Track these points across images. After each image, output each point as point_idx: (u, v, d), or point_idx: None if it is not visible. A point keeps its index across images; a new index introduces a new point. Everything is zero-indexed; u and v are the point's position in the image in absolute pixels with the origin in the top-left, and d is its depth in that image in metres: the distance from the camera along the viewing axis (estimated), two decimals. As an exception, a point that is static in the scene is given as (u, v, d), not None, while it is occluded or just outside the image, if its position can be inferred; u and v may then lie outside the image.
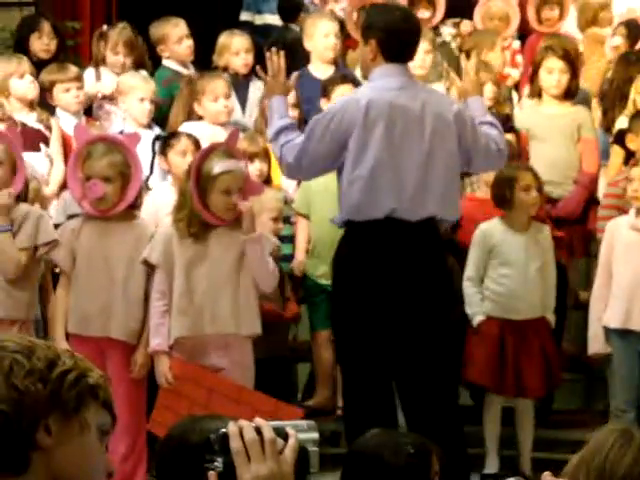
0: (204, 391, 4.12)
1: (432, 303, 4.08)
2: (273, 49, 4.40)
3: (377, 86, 4.18)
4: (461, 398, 5.02)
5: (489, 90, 5.38)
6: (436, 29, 6.58)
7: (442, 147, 4.08)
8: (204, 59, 6.11)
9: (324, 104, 5.48)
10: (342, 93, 5.46)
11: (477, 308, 4.78)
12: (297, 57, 6.29)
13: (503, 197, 4.79)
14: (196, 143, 4.97)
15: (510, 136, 5.25)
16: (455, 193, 4.21)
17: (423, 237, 4.10)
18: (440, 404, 4.09)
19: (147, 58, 6.01)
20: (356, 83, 5.49)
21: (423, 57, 5.94)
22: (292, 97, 5.50)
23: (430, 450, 2.48)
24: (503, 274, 4.79)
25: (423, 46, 5.93)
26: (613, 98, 5.61)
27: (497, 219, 4.86)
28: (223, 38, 6.07)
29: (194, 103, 5.48)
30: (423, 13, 6.55)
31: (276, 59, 4.33)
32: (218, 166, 4.17)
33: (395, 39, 4.13)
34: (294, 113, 5.48)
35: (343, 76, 5.56)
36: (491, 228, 4.85)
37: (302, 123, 5.47)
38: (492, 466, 4.80)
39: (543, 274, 4.81)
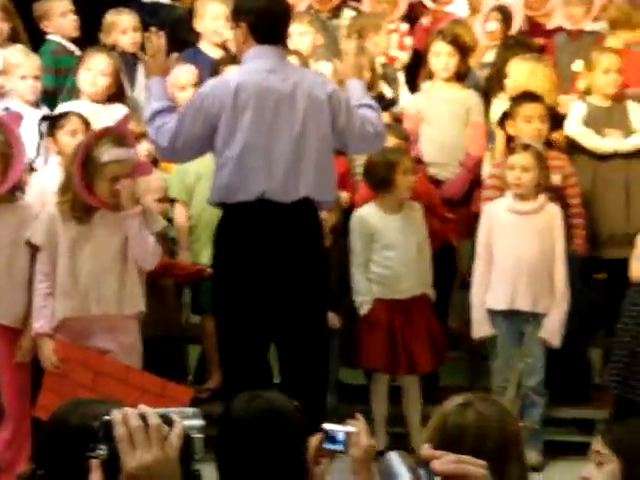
0: (90, 373, 4.08)
1: (306, 283, 4.10)
2: (152, 29, 4.35)
3: (247, 68, 4.18)
4: (355, 378, 5.10)
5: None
6: (338, 10, 6.60)
7: (314, 128, 4.09)
8: (91, 38, 5.99)
9: None
10: None
11: (363, 297, 4.85)
12: (185, 36, 6.25)
13: (382, 180, 4.84)
14: (86, 123, 4.88)
15: (387, 116, 5.31)
16: (330, 174, 4.20)
17: (297, 218, 4.10)
18: (310, 374, 4.15)
19: (23, 31, 5.86)
20: None
21: (299, 39, 5.97)
22: (195, 76, 5.47)
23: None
24: (386, 256, 4.84)
25: (299, 28, 5.99)
26: (495, 82, 5.74)
27: (372, 204, 4.90)
28: (110, 16, 5.97)
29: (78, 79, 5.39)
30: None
31: (155, 39, 4.28)
32: (107, 154, 4.13)
33: (265, 21, 4.13)
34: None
35: (233, 56, 5.54)
36: (367, 213, 4.90)
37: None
38: (380, 443, 4.88)
39: (421, 251, 4.89)
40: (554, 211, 4.83)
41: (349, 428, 2.52)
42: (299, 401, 2.47)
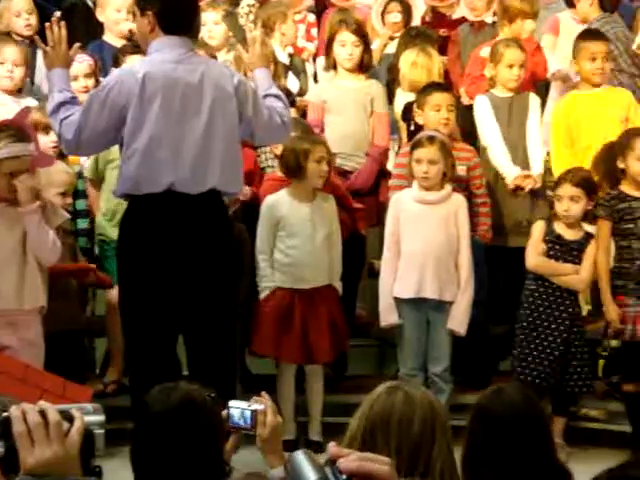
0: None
1: (212, 273, 4.08)
2: (54, 18, 4.27)
3: (154, 59, 4.12)
4: (266, 368, 5.11)
5: None
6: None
7: (222, 119, 4.07)
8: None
9: None
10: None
11: (265, 283, 4.85)
12: (91, 24, 6.16)
13: (295, 168, 4.85)
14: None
15: (293, 110, 5.35)
16: (236, 165, 4.18)
17: (204, 209, 4.08)
18: (219, 365, 4.14)
19: None
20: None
21: (211, 28, 5.93)
22: (87, 67, 5.41)
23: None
24: (290, 245, 4.85)
25: (212, 17, 5.95)
26: (396, 74, 5.80)
27: (284, 191, 4.91)
28: (2, 1, 5.87)
29: None
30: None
31: (57, 29, 4.21)
32: (4, 150, 4.06)
33: (172, 10, 4.08)
34: (89, 83, 5.40)
35: (135, 46, 5.48)
36: (277, 201, 4.90)
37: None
38: (289, 433, 4.90)
39: (329, 242, 4.90)
40: (459, 200, 4.90)
41: (256, 406, 2.52)
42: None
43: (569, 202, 4.76)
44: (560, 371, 4.74)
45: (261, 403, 2.54)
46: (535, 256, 4.82)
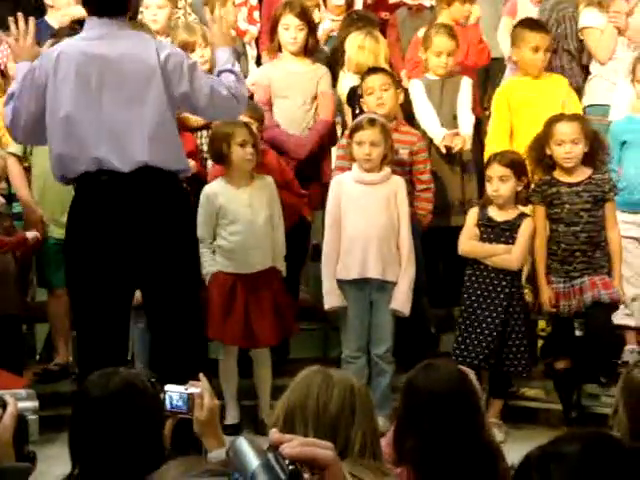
0: None
1: (155, 252, 4.02)
2: (19, 14, 4.23)
3: (76, 38, 4.12)
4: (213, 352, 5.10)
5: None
6: None
7: (145, 93, 3.98)
8: None
9: None
10: None
11: (207, 268, 4.83)
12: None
13: (220, 153, 4.84)
14: None
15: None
16: (171, 140, 4.05)
17: (139, 186, 3.99)
18: (179, 348, 4.11)
19: None
20: None
21: (155, 11, 5.89)
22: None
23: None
24: (232, 231, 4.83)
25: (155, 0, 5.90)
26: (338, 56, 5.81)
27: (220, 179, 4.90)
28: None
29: None
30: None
31: (22, 23, 4.17)
32: None
33: None
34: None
35: (72, 28, 5.42)
36: (215, 189, 4.89)
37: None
38: (233, 417, 4.91)
39: (272, 224, 4.90)
40: (398, 182, 4.92)
41: (191, 389, 2.52)
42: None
43: (498, 182, 4.82)
44: (498, 353, 4.80)
45: (197, 387, 2.55)
46: (465, 241, 4.88)
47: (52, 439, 4.19)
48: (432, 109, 5.48)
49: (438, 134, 5.41)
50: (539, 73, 5.52)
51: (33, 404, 1.68)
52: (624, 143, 5.23)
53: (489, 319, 4.80)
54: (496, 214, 4.88)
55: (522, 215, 4.90)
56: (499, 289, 4.82)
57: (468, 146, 5.41)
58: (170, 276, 4.04)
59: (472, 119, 5.53)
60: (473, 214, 4.93)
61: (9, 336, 4.71)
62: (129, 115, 3.96)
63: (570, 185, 4.88)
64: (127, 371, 2.43)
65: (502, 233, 4.86)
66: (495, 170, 4.84)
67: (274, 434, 1.32)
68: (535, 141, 4.98)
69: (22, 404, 1.66)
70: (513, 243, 4.84)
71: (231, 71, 4.21)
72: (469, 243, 4.88)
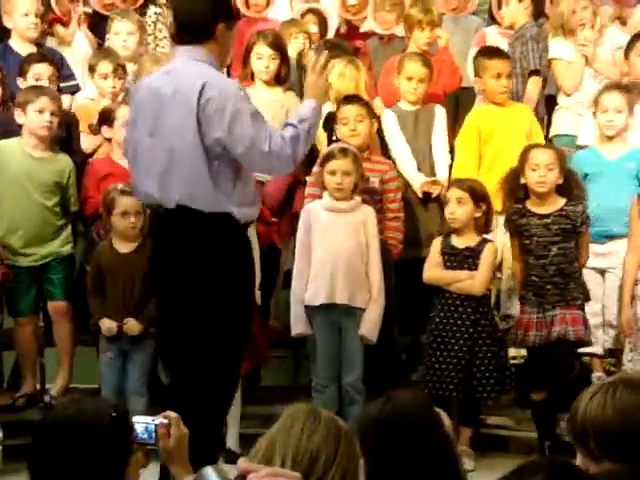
0: None
1: (180, 293, 3.96)
2: None
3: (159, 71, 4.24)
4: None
5: None
6: (144, 7, 6.47)
7: (181, 134, 3.91)
8: None
9: (21, 83, 5.38)
10: (39, 72, 5.37)
11: None
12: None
13: None
14: None
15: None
16: (203, 182, 3.91)
17: (173, 225, 3.96)
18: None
19: None
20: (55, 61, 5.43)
21: (125, 37, 5.90)
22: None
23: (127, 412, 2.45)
24: None
25: (126, 27, 5.91)
26: None
27: None
28: None
29: None
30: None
31: None
32: None
33: (176, 21, 4.08)
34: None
35: (42, 54, 5.44)
36: None
37: (7, 100, 5.33)
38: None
39: None
40: (367, 211, 4.95)
41: (158, 420, 2.51)
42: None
43: (455, 205, 4.86)
44: (467, 379, 4.81)
45: (167, 417, 2.54)
46: (429, 268, 4.91)
47: (18, 469, 4.15)
48: (406, 147, 5.48)
49: (415, 180, 5.42)
50: (504, 100, 5.57)
51: (-3, 434, 1.66)
52: (586, 175, 5.28)
53: (456, 346, 4.80)
54: (458, 241, 4.91)
55: (484, 241, 4.92)
56: (464, 316, 4.83)
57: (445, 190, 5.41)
58: (186, 320, 3.94)
59: (448, 159, 5.54)
60: (437, 243, 4.96)
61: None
62: (169, 155, 3.93)
63: (540, 217, 4.91)
64: (88, 401, 2.40)
65: (465, 260, 4.88)
66: (452, 192, 4.88)
67: (242, 463, 1.32)
68: (510, 172, 5.02)
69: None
70: (476, 269, 4.86)
71: (294, 126, 3.99)
72: (432, 270, 4.90)
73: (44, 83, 5.33)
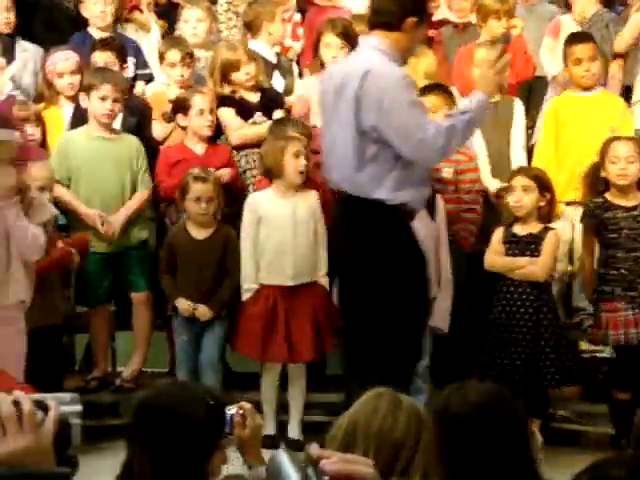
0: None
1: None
2: None
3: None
4: (249, 365, 5.11)
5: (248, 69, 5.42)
6: None
7: (343, 123, 3.96)
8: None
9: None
10: (101, 60, 5.42)
11: (248, 284, 4.86)
12: (61, 16, 6.16)
13: (272, 165, 4.85)
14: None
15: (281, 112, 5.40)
16: (353, 167, 3.96)
17: (342, 210, 4.13)
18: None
19: None
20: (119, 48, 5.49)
21: (195, 25, 5.92)
22: (73, 64, 5.43)
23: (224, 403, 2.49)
24: (273, 241, 4.86)
25: (195, 14, 5.95)
26: None
27: (267, 189, 4.93)
28: None
29: None
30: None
31: None
32: None
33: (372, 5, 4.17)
34: (74, 79, 5.42)
35: (104, 41, 5.56)
36: (258, 197, 4.93)
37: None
38: (269, 429, 4.91)
39: (315, 239, 4.90)
40: (438, 199, 4.89)
41: (234, 409, 2.54)
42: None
43: (521, 192, 4.82)
44: (532, 368, 4.75)
45: (241, 407, 2.56)
46: (489, 256, 4.88)
47: (91, 450, 4.23)
48: (482, 146, 5.41)
49: (491, 185, 5.35)
50: (590, 86, 5.45)
51: (76, 408, 1.68)
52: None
53: (520, 335, 4.76)
54: (520, 229, 4.87)
55: (547, 229, 4.88)
56: (527, 303, 4.79)
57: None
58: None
59: (525, 158, 5.46)
60: (499, 232, 4.92)
61: (50, 346, 4.72)
62: (332, 138, 4.04)
63: (627, 210, 4.84)
64: (192, 385, 2.44)
65: (527, 247, 4.84)
66: (518, 180, 4.84)
67: (314, 449, 1.32)
68: (590, 167, 4.96)
69: (65, 408, 1.66)
70: (538, 256, 4.81)
71: (454, 117, 4.02)
72: (492, 257, 4.87)
73: None
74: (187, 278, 4.92)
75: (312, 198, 4.94)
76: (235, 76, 5.41)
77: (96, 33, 5.90)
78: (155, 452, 2.31)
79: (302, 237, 4.86)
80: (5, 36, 5.78)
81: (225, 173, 5.11)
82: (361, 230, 4.00)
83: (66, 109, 5.45)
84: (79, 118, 5.30)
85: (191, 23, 5.95)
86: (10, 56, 5.68)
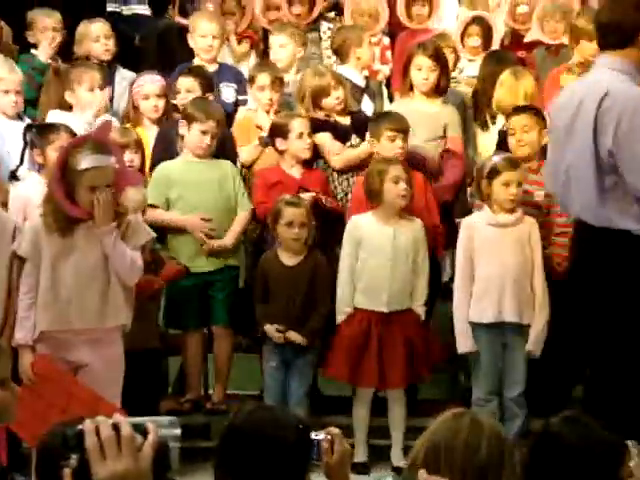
0: (64, 395, 4.00)
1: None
2: None
3: None
4: (340, 389, 5.10)
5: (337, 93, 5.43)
6: (315, 22, 6.69)
7: (579, 143, 3.81)
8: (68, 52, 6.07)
9: (172, 97, 5.56)
10: (187, 86, 5.50)
11: (344, 307, 4.86)
12: (168, 47, 6.32)
13: (373, 189, 4.87)
14: (73, 136, 4.88)
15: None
16: (592, 195, 3.79)
17: (583, 240, 4.00)
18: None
19: (8, 38, 5.94)
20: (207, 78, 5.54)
21: (276, 50, 6.00)
22: (159, 87, 5.54)
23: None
24: (370, 265, 4.86)
25: (280, 40, 6.01)
26: (482, 96, 5.79)
27: (369, 212, 4.93)
28: (81, 27, 6.09)
29: (66, 92, 5.42)
30: (296, 9, 6.65)
31: None
32: (84, 161, 4.04)
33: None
34: (159, 102, 5.50)
35: (190, 69, 5.65)
36: (360, 220, 4.93)
37: (169, 111, 5.49)
38: (361, 455, 4.88)
39: (414, 267, 4.89)
40: (530, 223, 4.86)
41: (322, 435, 2.52)
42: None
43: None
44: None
45: (329, 432, 2.54)
46: None
47: (185, 471, 4.25)
48: None
49: None
50: None
51: (175, 432, 1.69)
52: None
53: None
54: None
55: None
56: None
57: None
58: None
59: None
60: None
61: (149, 370, 4.78)
62: (570, 167, 3.89)
63: None
64: (274, 407, 2.42)
65: None
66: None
67: (422, 475, 1.30)
68: None
69: (164, 431, 1.68)
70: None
71: None
72: None
73: (192, 97, 5.43)
74: (278, 304, 4.93)
75: (416, 226, 4.93)
76: (326, 101, 5.45)
77: (200, 63, 6.01)
78: (242, 478, 2.30)
79: (401, 264, 4.85)
80: (105, 64, 5.92)
81: (330, 199, 5.13)
82: (610, 262, 3.83)
83: (150, 131, 5.55)
84: (164, 141, 5.38)
85: (274, 49, 6.04)
86: (110, 83, 5.82)
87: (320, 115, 5.44)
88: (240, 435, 2.35)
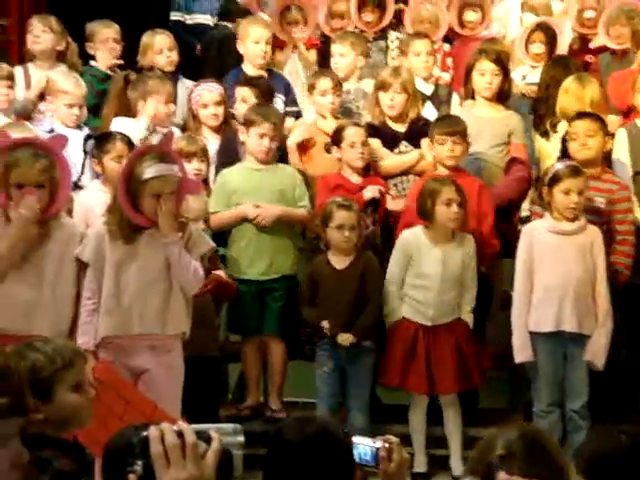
0: (122, 402, 4.04)
1: None
2: None
3: None
4: (397, 398, 5.08)
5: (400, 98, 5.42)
6: (383, 31, 6.72)
7: None
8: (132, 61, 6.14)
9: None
10: (243, 95, 5.54)
11: (392, 317, 4.87)
12: (229, 55, 6.36)
13: (425, 210, 4.84)
14: (130, 144, 4.93)
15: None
16: None
17: None
18: None
19: (73, 50, 6.03)
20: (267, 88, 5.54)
21: (337, 60, 6.01)
22: (218, 95, 5.58)
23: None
24: (418, 284, 4.86)
25: (340, 49, 6.01)
26: (544, 103, 5.74)
27: (420, 228, 4.91)
28: (145, 38, 6.14)
29: (138, 103, 5.46)
30: (367, 16, 6.66)
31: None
32: (148, 171, 4.09)
33: None
34: (218, 110, 5.53)
35: (246, 79, 5.69)
36: (412, 237, 4.91)
37: (229, 119, 5.54)
38: (421, 465, 4.85)
39: (462, 280, 4.87)
40: (594, 232, 4.79)
41: (379, 443, 2.50)
42: None
43: None
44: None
45: (387, 440, 2.52)
46: None
47: (244, 478, 4.26)
48: (628, 175, 5.24)
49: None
50: None
51: (238, 439, 1.70)
52: None
53: None
54: None
55: None
56: None
57: None
58: None
59: None
60: None
61: (209, 376, 4.80)
62: None
63: None
64: (323, 418, 2.42)
65: None
66: None
67: (502, 476, 1.28)
68: None
69: (228, 439, 1.68)
70: None
71: None
72: None
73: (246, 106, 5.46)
74: (328, 308, 4.90)
75: (468, 243, 4.90)
76: (382, 96, 5.43)
77: (250, 70, 6.04)
78: None
79: (448, 286, 4.84)
80: (169, 74, 5.98)
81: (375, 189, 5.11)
82: None
83: (210, 139, 5.57)
84: (227, 149, 5.42)
85: (335, 57, 6.04)
86: (173, 93, 5.88)
87: (377, 121, 5.44)
88: (285, 447, 2.34)
